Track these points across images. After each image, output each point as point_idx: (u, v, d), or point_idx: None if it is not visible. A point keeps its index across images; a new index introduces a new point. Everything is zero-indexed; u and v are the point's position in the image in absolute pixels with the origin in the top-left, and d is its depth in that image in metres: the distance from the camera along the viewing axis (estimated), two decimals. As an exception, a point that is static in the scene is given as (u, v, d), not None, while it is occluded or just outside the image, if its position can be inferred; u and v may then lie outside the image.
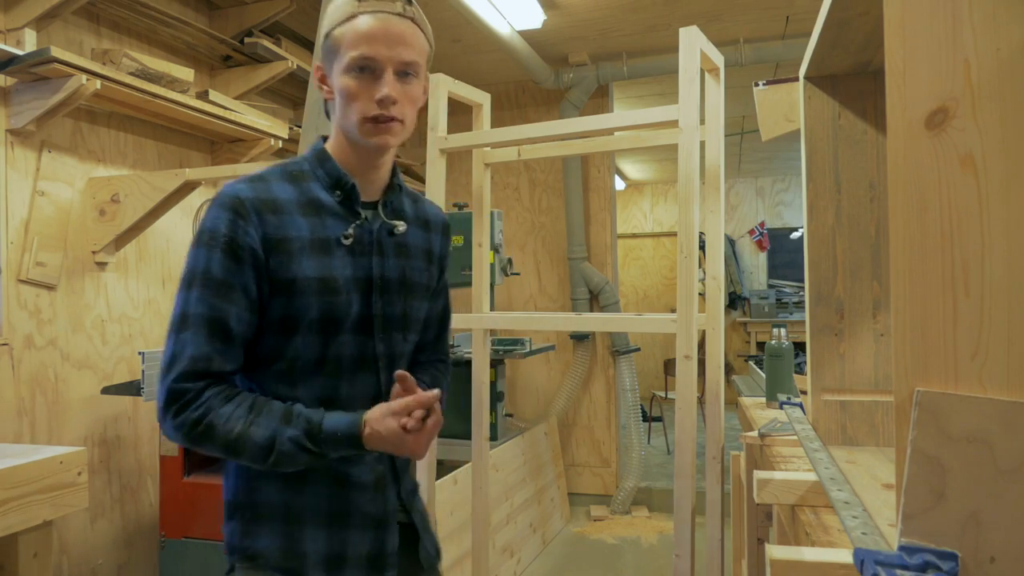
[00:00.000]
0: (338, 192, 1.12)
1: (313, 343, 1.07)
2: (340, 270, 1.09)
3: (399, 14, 1.06)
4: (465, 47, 3.89)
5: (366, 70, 1.05)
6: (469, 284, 2.70)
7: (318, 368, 1.09)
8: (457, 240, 3.14)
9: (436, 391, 1.04)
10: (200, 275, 1.02)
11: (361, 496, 1.13)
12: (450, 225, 1.33)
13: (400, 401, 1.03)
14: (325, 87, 1.13)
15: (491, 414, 3.51)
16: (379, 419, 1.03)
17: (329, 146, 1.15)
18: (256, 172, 1.11)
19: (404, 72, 1.07)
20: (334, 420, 1.03)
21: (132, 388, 2.49)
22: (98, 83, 2.32)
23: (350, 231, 1.10)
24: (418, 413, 1.03)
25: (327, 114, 1.16)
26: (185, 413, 0.99)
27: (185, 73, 2.69)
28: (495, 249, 3.09)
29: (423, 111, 1.32)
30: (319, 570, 1.09)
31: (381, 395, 1.14)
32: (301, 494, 1.10)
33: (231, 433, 1.00)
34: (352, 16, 1.06)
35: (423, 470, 2.25)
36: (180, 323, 1.01)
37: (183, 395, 0.99)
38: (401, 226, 1.16)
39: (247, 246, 1.02)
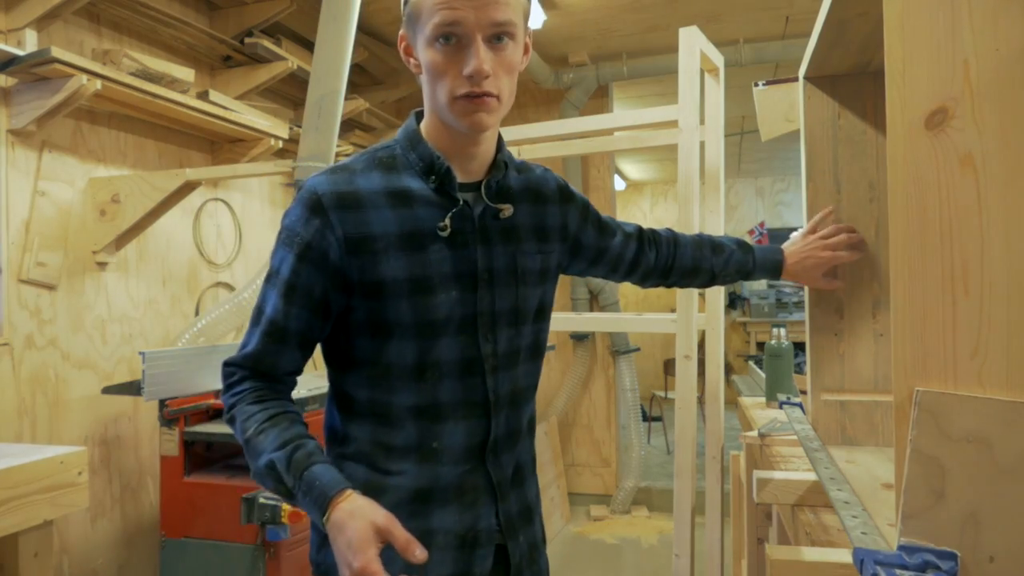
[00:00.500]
0: (432, 177, 0.99)
1: (409, 348, 0.98)
2: (436, 266, 0.98)
3: None
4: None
5: (451, 39, 0.91)
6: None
7: (416, 374, 0.99)
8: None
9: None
10: (273, 274, 1.00)
11: (444, 512, 1.01)
12: (566, 185, 1.19)
13: (400, 530, 0.86)
14: (412, 60, 0.99)
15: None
16: (361, 511, 0.87)
17: (423, 125, 1.03)
18: (344, 160, 1.02)
19: (497, 36, 0.92)
20: (324, 470, 0.91)
21: (132, 388, 2.49)
22: (98, 83, 2.32)
23: (446, 221, 0.98)
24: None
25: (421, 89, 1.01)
26: (225, 395, 1.01)
27: (185, 73, 2.69)
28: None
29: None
30: None
31: (488, 401, 1.03)
32: None
33: (246, 432, 0.97)
34: None
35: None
36: (254, 316, 1.01)
37: (228, 377, 1.02)
38: (507, 210, 1.03)
39: (319, 248, 0.95)
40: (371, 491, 0.97)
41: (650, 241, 1.30)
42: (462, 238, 1.00)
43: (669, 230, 1.34)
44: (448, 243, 0.99)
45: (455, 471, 1.02)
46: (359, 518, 0.86)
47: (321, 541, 1.04)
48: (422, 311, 0.97)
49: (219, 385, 1.06)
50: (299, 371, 1.04)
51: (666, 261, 1.31)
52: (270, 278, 1.00)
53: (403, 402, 0.99)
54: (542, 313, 1.11)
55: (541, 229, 1.10)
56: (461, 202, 1.00)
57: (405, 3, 0.97)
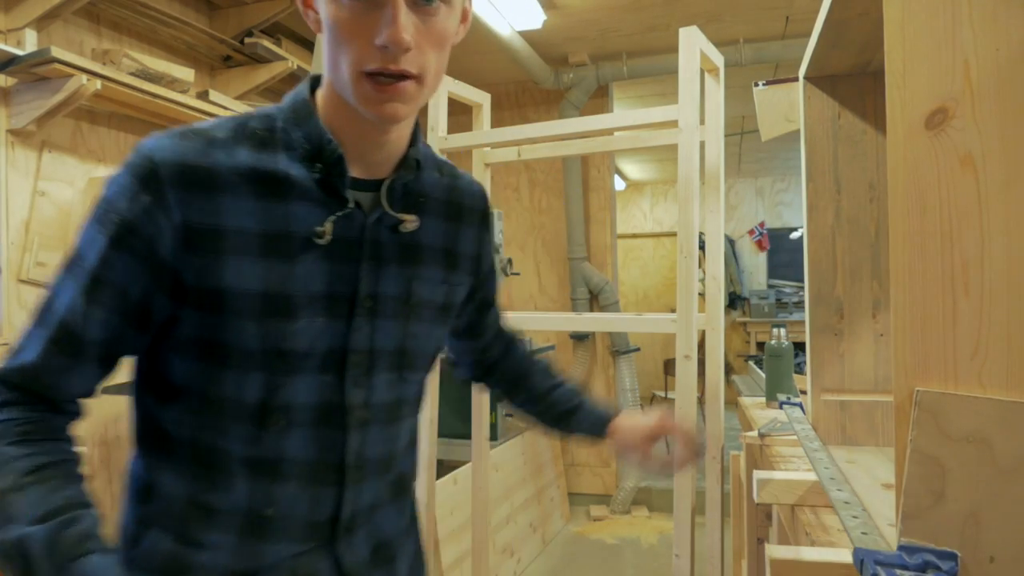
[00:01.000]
0: (318, 166, 0.75)
1: (251, 383, 0.74)
2: (303, 282, 0.74)
3: None
4: (465, 47, 3.89)
5: None
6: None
7: (257, 417, 0.75)
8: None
9: None
10: (77, 260, 0.73)
11: None
12: (491, 212, 0.97)
13: None
14: (311, 12, 0.75)
15: (491, 414, 3.51)
16: None
17: (319, 96, 0.79)
18: (202, 123, 0.75)
19: None
20: (101, 565, 0.65)
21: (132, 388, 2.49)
22: (98, 83, 2.32)
23: (326, 225, 0.74)
24: None
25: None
26: None
27: (185, 73, 2.69)
28: (495, 249, 3.09)
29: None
30: None
31: (346, 464, 0.80)
32: None
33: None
34: None
35: (423, 469, 2.25)
36: (40, 314, 0.73)
37: None
38: (411, 222, 0.80)
39: (144, 233, 0.70)
40: (172, 571, 0.76)
41: (502, 330, 1.13)
42: (345, 250, 0.77)
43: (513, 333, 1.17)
44: (325, 254, 0.75)
45: (288, 550, 0.78)
46: None
47: None
48: (275, 338, 0.73)
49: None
50: (91, 394, 0.78)
51: (497, 356, 1.12)
52: (71, 265, 0.73)
53: (236, 451, 0.75)
54: (434, 359, 0.90)
55: (451, 253, 0.88)
56: (351, 203, 0.76)
57: None
